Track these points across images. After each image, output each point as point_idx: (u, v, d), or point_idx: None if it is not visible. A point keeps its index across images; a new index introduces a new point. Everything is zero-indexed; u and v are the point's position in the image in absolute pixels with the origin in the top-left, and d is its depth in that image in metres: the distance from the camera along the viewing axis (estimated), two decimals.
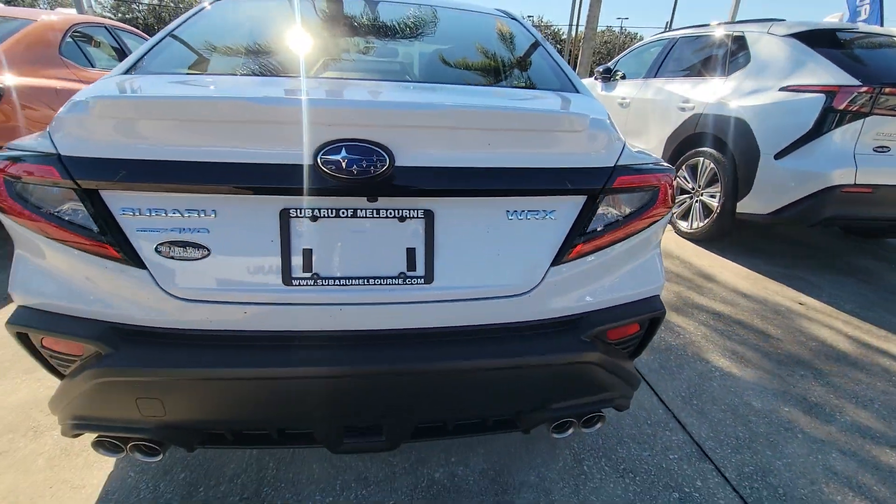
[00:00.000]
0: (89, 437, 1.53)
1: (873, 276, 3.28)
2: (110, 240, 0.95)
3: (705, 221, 3.60)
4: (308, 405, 1.07)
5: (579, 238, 1.09)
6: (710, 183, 3.54)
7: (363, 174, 0.92)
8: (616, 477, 1.52)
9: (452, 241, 1.03)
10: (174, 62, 1.38)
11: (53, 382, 1.78)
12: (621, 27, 65.48)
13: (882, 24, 8.86)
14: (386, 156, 0.92)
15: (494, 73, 1.59)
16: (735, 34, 3.66)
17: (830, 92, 2.77)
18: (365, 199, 0.97)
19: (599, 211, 1.09)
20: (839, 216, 2.90)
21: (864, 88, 2.68)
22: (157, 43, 1.40)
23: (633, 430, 1.72)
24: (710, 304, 2.72)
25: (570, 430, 1.31)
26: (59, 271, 1.02)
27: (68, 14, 3.86)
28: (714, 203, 3.49)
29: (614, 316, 1.17)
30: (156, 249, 0.96)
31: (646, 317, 1.22)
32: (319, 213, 0.98)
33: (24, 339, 1.07)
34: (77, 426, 1.09)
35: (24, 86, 2.90)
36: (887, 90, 2.65)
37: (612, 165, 1.08)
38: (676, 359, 2.18)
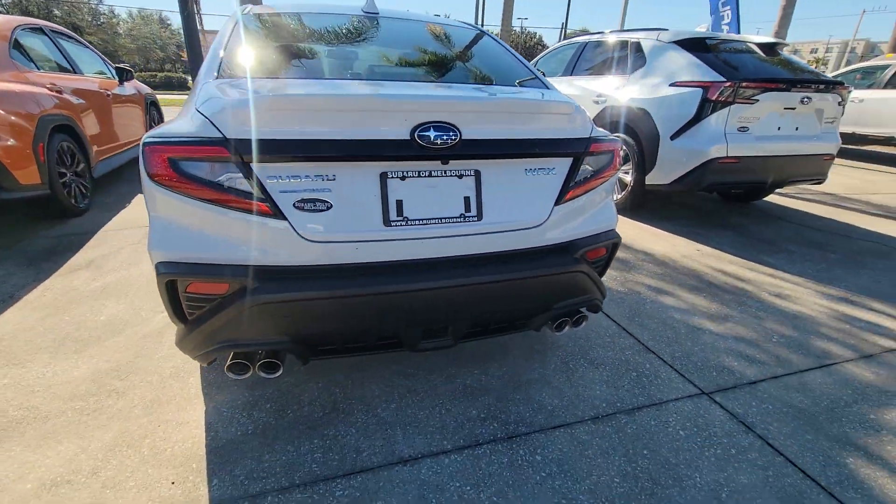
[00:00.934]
0: (175, 388, 1.80)
1: (745, 229, 4.26)
2: (263, 199, 1.30)
3: (622, 194, 4.40)
4: (399, 314, 1.49)
5: (570, 186, 1.62)
6: (623, 162, 4.33)
7: (443, 145, 1.36)
8: (592, 368, 2.09)
9: (492, 191, 1.51)
10: (257, 68, 1.70)
11: (110, 356, 2.01)
12: (521, 27, 69.14)
13: (739, 28, 10.66)
14: (457, 132, 1.38)
15: (496, 73, 2.08)
16: (632, 40, 4.49)
17: (705, 87, 3.63)
18: (439, 162, 1.41)
19: (581, 168, 1.63)
20: (717, 182, 3.79)
21: (728, 83, 3.57)
22: (228, 53, 1.70)
23: (598, 340, 2.32)
24: (634, 257, 3.45)
25: (566, 328, 1.85)
26: (210, 230, 1.34)
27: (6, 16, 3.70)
28: (628, 178, 4.29)
29: (591, 241, 1.72)
30: (294, 205, 1.33)
31: (609, 242, 1.79)
32: (408, 174, 1.40)
33: (170, 287, 1.37)
34: (219, 349, 1.41)
35: None
36: (744, 84, 3.55)
37: (588, 137, 1.63)
38: (618, 294, 2.83)
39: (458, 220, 1.47)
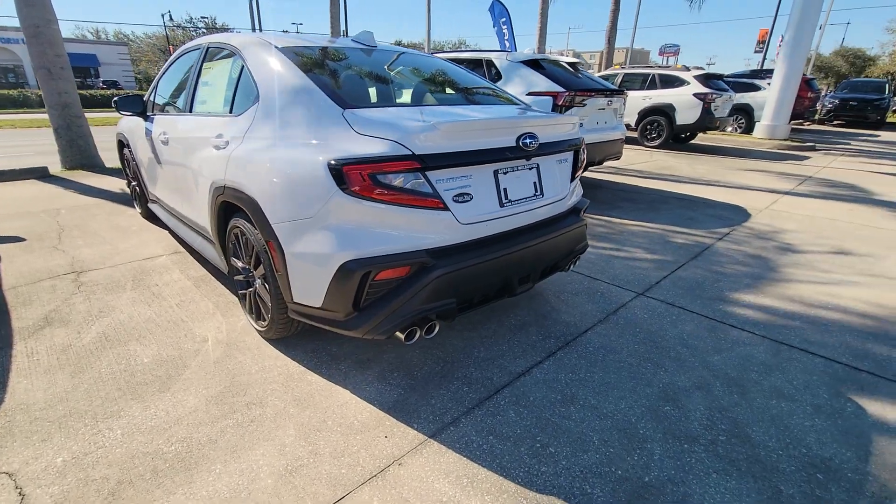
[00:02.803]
0: (302, 387, 2.04)
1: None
2: (436, 197, 1.75)
3: None
4: (511, 268, 2.08)
5: (576, 170, 2.45)
6: None
7: (532, 147, 2.02)
8: (574, 296, 3.00)
9: (545, 176, 2.23)
10: (372, 99, 2.10)
11: (205, 384, 2.14)
12: (298, 32, 67.75)
13: (515, 44, 13.17)
14: (537, 138, 2.05)
15: (499, 93, 2.74)
16: (486, 59, 5.60)
17: (554, 95, 4.93)
18: (524, 159, 2.06)
19: (579, 157, 2.48)
20: None
21: (568, 92, 4.93)
22: (322, 87, 1.97)
23: (562, 280, 3.24)
24: None
25: (571, 267, 2.68)
26: (393, 226, 1.73)
27: None
28: None
29: (582, 204, 2.59)
30: (452, 199, 1.81)
31: (586, 205, 2.69)
32: (508, 169, 2.02)
33: (363, 279, 1.71)
34: (404, 321, 1.79)
35: None
36: (579, 93, 4.97)
37: (580, 137, 2.48)
38: None
39: (533, 198, 2.15)
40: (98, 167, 6.64)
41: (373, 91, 2.28)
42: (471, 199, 1.88)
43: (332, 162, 1.67)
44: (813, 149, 10.85)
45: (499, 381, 2.10)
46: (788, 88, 10.90)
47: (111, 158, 6.49)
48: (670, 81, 10.07)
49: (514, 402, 1.97)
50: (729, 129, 12.76)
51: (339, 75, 2.25)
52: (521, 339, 2.47)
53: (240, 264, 2.38)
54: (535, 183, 2.17)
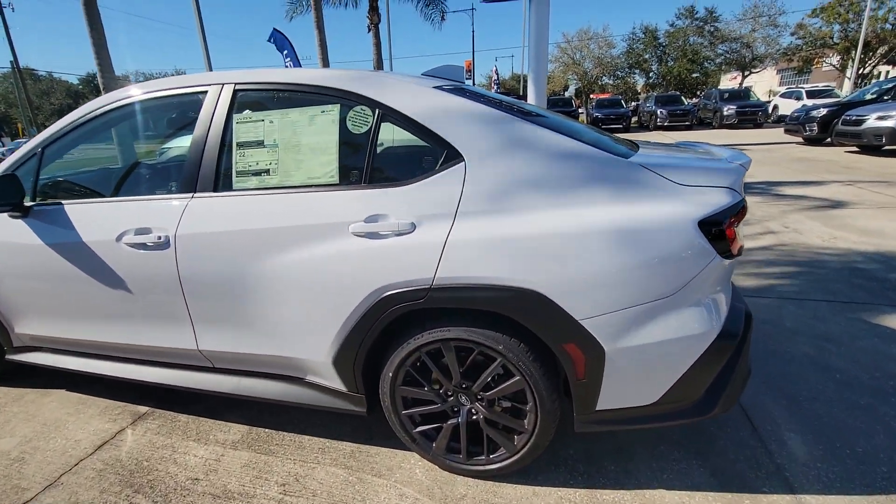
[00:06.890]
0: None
1: None
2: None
3: None
4: None
5: None
6: None
7: None
8: None
9: None
10: (608, 147, 1.67)
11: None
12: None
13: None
14: None
15: None
16: None
17: None
18: None
19: None
20: None
21: None
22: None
23: None
24: None
25: None
26: (726, 281, 1.54)
27: None
28: None
29: None
30: None
31: None
32: None
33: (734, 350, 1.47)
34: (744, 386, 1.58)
35: None
36: None
37: None
38: None
39: None
40: None
41: (588, 134, 1.82)
42: None
43: (704, 220, 1.35)
44: None
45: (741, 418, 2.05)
46: (541, 104, 13.76)
47: None
48: None
49: (799, 427, 1.95)
50: None
51: (547, 120, 1.73)
52: None
53: (422, 393, 1.67)
54: None
